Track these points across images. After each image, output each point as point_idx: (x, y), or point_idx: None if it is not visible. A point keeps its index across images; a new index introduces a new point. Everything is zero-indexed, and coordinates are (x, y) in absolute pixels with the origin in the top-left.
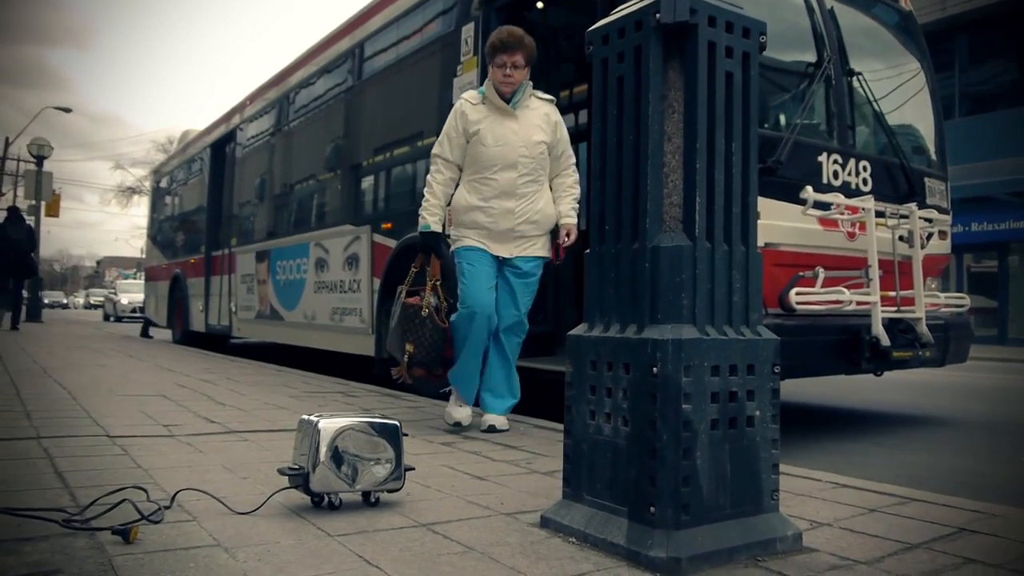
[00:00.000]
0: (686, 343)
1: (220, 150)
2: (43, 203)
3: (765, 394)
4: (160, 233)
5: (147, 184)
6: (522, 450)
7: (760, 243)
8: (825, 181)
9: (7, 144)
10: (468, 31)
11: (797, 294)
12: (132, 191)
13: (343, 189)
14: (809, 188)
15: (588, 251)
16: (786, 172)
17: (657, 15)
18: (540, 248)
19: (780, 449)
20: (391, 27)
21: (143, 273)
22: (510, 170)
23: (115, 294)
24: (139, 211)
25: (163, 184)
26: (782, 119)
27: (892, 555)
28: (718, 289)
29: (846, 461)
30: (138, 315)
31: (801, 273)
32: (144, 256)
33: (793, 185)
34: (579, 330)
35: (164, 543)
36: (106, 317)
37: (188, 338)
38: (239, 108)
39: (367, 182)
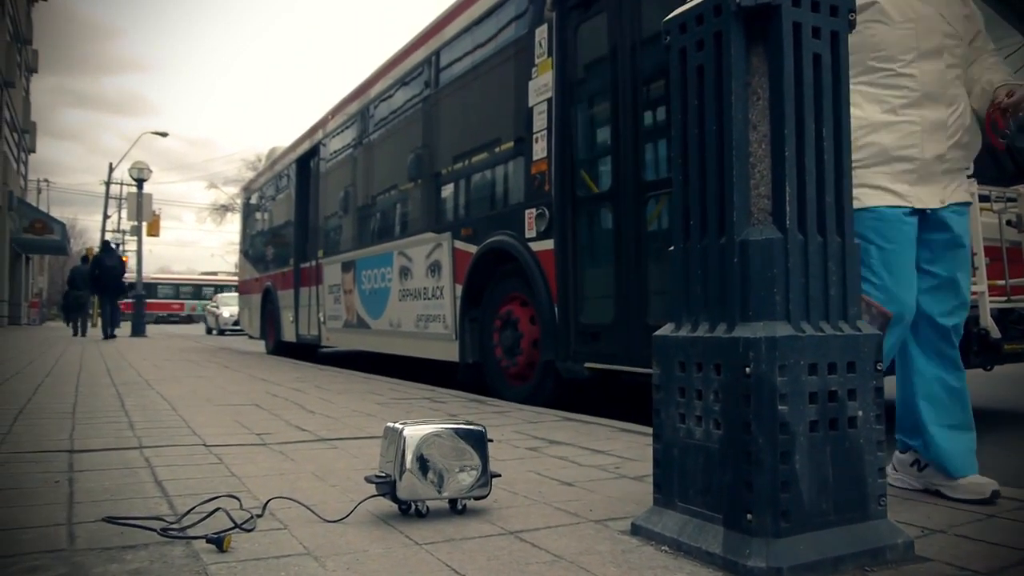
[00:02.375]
0: (780, 341)
1: (305, 165)
2: (144, 223)
3: (868, 393)
4: (251, 248)
5: (239, 201)
6: (610, 454)
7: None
8: None
9: (111, 169)
10: (541, 33)
11: None
12: (225, 208)
13: (423, 197)
14: None
15: (672, 248)
16: None
17: None
18: (965, 191)
19: (885, 451)
20: (465, 35)
21: (236, 287)
22: (933, 59)
23: (216, 307)
24: (232, 228)
25: (253, 200)
26: None
27: (1014, 566)
28: (813, 283)
29: None
30: (239, 328)
31: None
32: (237, 270)
33: None
34: (666, 330)
35: (256, 551)
36: (208, 330)
37: (280, 349)
38: (322, 123)
39: (446, 190)
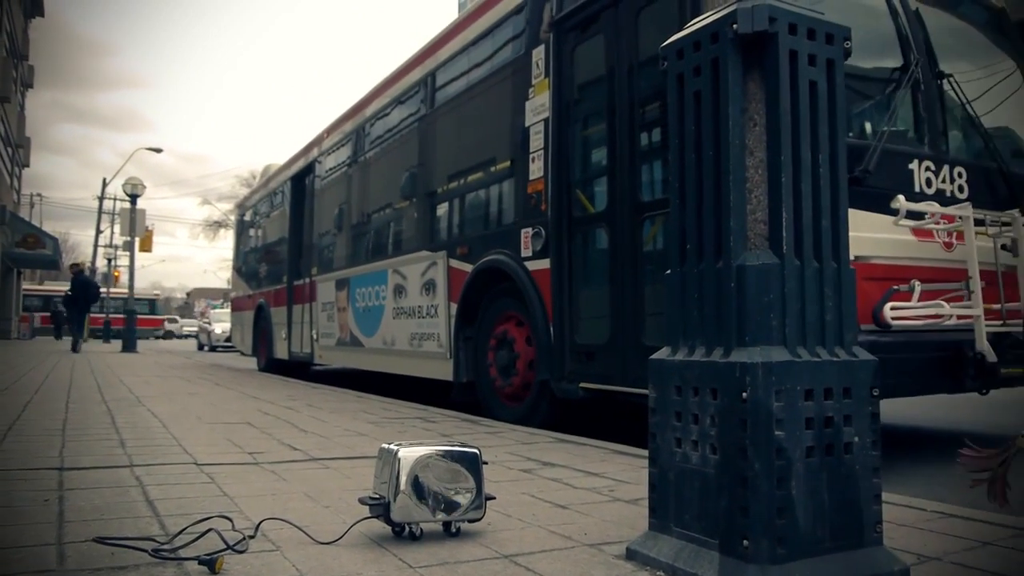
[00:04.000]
0: (777, 366)
1: (300, 182)
2: (137, 239)
3: (864, 419)
4: (244, 265)
5: (232, 218)
6: (604, 477)
7: (850, 257)
8: (918, 189)
9: (104, 184)
10: (538, 54)
11: (892, 308)
12: (219, 224)
13: (419, 216)
14: (901, 197)
15: (669, 272)
16: (875, 181)
17: (734, 25)
18: None
19: (881, 477)
20: (462, 55)
21: (229, 304)
22: None
23: (209, 324)
24: (225, 244)
25: (247, 217)
26: (868, 127)
27: None
28: (809, 308)
29: (951, 489)
30: (231, 344)
31: (896, 287)
32: (230, 287)
33: (883, 195)
34: (662, 354)
35: (248, 573)
36: (200, 347)
37: (272, 366)
38: (317, 141)
39: (442, 208)
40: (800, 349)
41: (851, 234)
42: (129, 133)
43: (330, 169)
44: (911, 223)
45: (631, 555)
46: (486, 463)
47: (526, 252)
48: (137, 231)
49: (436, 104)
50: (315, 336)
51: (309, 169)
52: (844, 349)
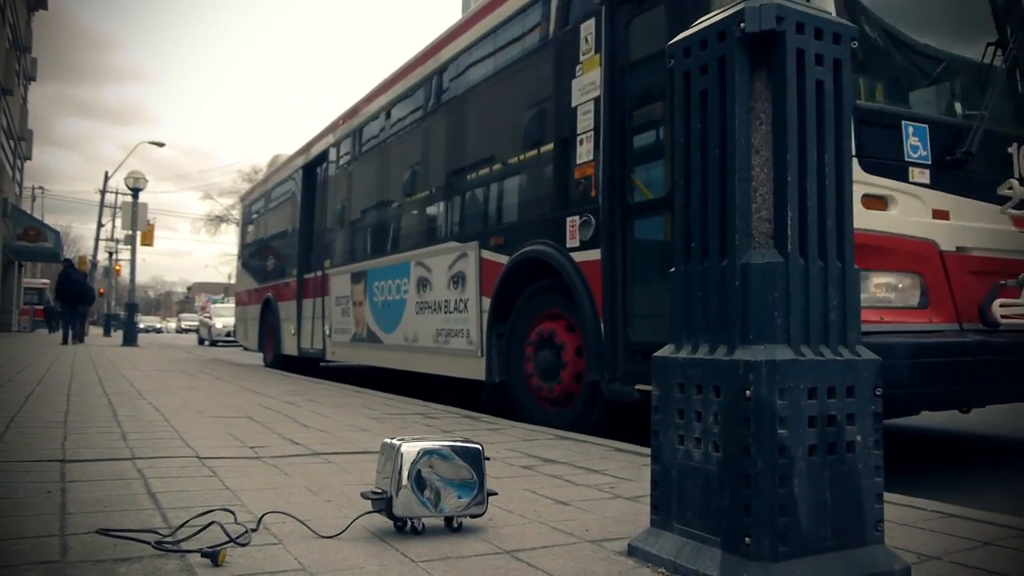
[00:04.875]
0: (780, 364)
1: (312, 171)
2: (139, 233)
3: (866, 418)
4: (250, 258)
5: (235, 212)
6: (605, 474)
7: (951, 247)
8: (1017, 175)
9: (107, 178)
10: (588, 28)
11: (1001, 306)
12: (220, 219)
13: (446, 205)
14: (1014, 182)
15: (673, 269)
16: (976, 166)
17: (741, 24)
18: None
19: (884, 477)
20: (499, 30)
21: (232, 298)
22: None
23: (210, 318)
24: (227, 239)
25: (253, 209)
26: (959, 107)
27: None
28: (813, 307)
29: (958, 490)
30: (232, 339)
31: (1002, 282)
32: (234, 281)
33: (983, 180)
34: (665, 351)
35: (251, 566)
36: (200, 341)
37: (280, 362)
38: (332, 128)
39: (473, 196)
40: (804, 348)
41: (951, 222)
42: (132, 127)
43: (347, 156)
44: (1018, 212)
45: (632, 551)
46: (488, 459)
47: (572, 242)
48: (139, 225)
49: (469, 84)
50: (328, 331)
51: (323, 157)
52: (848, 348)
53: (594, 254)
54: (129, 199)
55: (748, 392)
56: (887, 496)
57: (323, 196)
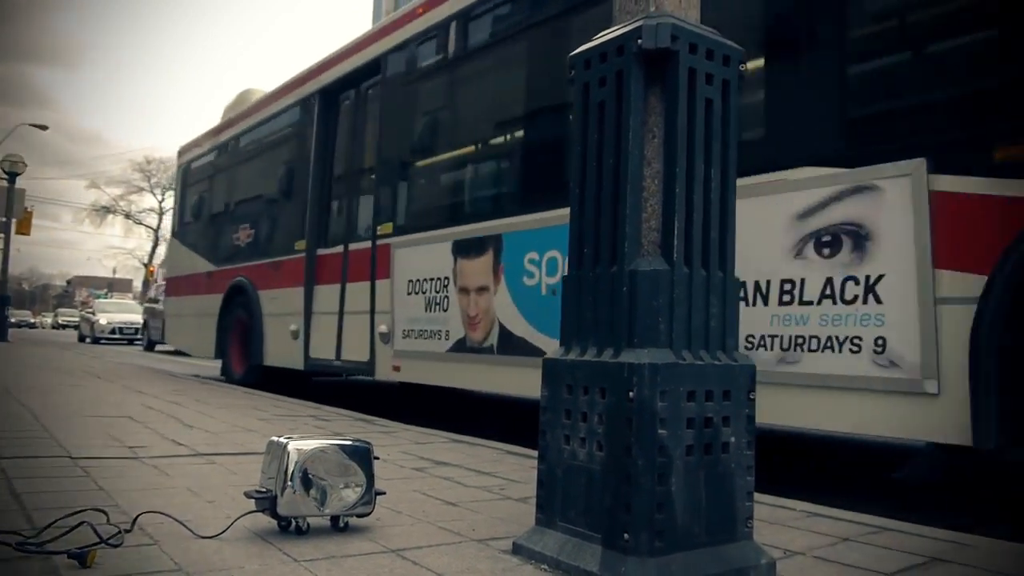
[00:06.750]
0: (662, 367)
1: (336, 98)
2: (14, 220)
3: (741, 420)
4: (198, 230)
5: (122, 204)
6: (496, 476)
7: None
8: None
9: None
10: None
11: None
12: (107, 210)
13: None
14: None
15: (567, 275)
16: None
17: (639, 41)
18: None
19: (756, 476)
20: None
21: (115, 295)
22: None
23: (93, 314)
24: (113, 231)
25: (202, 164)
26: None
27: None
28: (695, 314)
29: (829, 490)
30: (117, 336)
31: None
32: (163, 262)
33: None
34: (555, 353)
35: (123, 568)
36: (82, 338)
37: (253, 376)
38: (393, 25)
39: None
40: (685, 352)
41: None
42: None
43: (427, 62)
44: None
45: (517, 549)
46: (377, 458)
47: None
48: (15, 212)
49: None
50: (388, 334)
51: (369, 70)
52: (726, 354)
53: None
54: (4, 184)
55: (631, 393)
56: (761, 497)
57: (370, 128)
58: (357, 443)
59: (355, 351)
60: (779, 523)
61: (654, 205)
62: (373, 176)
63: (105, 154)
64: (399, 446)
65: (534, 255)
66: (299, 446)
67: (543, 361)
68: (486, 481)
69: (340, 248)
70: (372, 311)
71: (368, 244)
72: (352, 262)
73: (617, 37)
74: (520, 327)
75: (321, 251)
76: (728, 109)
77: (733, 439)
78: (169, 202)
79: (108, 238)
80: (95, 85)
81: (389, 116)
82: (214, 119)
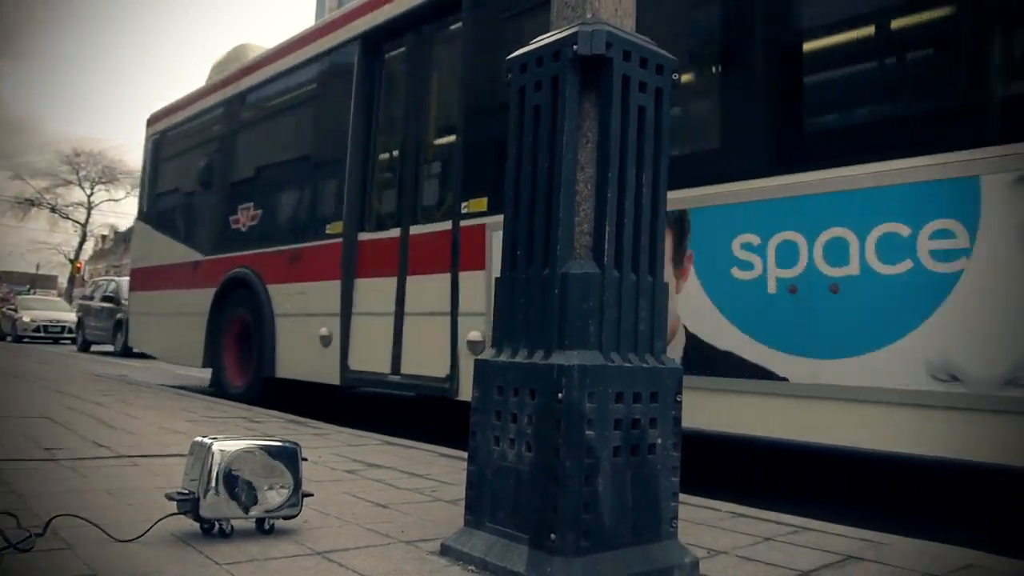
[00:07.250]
0: (591, 369)
1: (381, 48)
2: None
3: (667, 422)
4: (180, 211)
5: (47, 197)
6: (428, 478)
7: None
8: None
9: None
10: None
11: None
12: (31, 203)
13: None
14: None
15: (500, 276)
16: None
17: (575, 47)
18: None
19: (681, 477)
20: None
21: (40, 291)
22: None
23: (15, 311)
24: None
25: (184, 131)
26: None
27: None
28: (625, 317)
29: (752, 491)
30: (42, 335)
31: None
32: (131, 248)
33: None
34: (487, 355)
35: (32, 573)
36: (2, 336)
37: (261, 390)
38: None
39: None
40: (614, 354)
41: None
42: None
43: None
44: None
45: (445, 551)
46: (305, 459)
47: None
48: None
49: None
50: (480, 341)
51: (440, 8)
52: (654, 357)
53: None
54: None
55: (560, 395)
56: (687, 498)
57: (429, 83)
58: (284, 444)
59: (424, 364)
60: (704, 523)
61: (586, 209)
62: (453, 138)
63: (30, 142)
64: (331, 448)
65: (752, 239)
66: (223, 447)
67: (475, 362)
68: (418, 483)
69: (394, 232)
70: (454, 312)
71: (443, 226)
72: (415, 248)
73: (554, 42)
74: (724, 336)
75: (364, 236)
76: (661, 117)
77: (660, 440)
78: (99, 196)
79: (32, 232)
80: (26, 73)
81: (479, 57)
82: (156, 107)
